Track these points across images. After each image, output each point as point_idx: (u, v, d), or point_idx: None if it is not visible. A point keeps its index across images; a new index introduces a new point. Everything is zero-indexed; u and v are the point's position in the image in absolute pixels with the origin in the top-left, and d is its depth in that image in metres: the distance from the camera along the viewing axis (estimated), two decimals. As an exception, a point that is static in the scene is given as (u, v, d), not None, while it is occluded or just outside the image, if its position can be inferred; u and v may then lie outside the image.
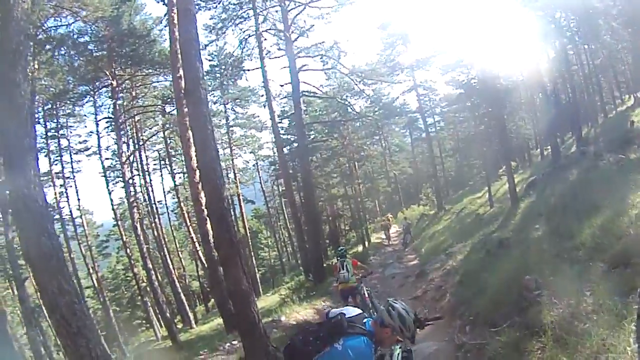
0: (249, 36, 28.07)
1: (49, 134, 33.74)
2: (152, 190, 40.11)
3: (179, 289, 36.31)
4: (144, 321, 50.34)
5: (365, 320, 3.88)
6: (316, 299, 17.62)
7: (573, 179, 15.35)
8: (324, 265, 25.97)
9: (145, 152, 39.40)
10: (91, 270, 40.72)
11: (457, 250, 16.27)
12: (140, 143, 34.91)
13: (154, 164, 43.77)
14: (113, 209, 36.04)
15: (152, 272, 28.91)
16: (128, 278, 50.88)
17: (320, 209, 37.99)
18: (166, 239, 41.05)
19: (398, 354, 4.50)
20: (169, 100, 27.81)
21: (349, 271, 11.18)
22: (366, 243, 36.26)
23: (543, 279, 6.59)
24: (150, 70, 30.91)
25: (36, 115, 30.04)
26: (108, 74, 28.41)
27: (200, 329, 29.40)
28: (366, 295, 11.05)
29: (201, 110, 8.50)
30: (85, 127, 34.80)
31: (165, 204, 47.34)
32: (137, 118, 34.32)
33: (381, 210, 57.99)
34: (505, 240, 11.61)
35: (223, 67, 33.43)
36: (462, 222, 25.49)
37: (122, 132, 31.67)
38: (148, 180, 39.31)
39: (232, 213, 46.75)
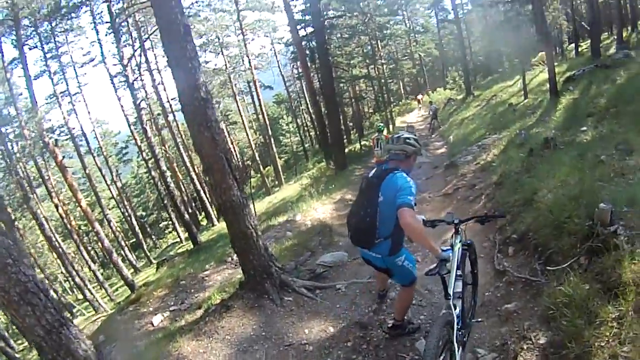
0: None
1: (48, 55, 32.49)
2: (165, 89, 39.32)
3: (198, 187, 37.32)
4: (170, 222, 51.17)
5: (384, 166, 4.62)
6: (337, 190, 16.58)
7: (622, 82, 14.17)
8: (346, 150, 24.99)
9: (154, 51, 38.62)
10: (109, 182, 41.39)
11: (491, 143, 15.01)
12: (143, 42, 32.90)
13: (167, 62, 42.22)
14: (125, 115, 35.41)
15: (167, 173, 28.09)
16: (152, 181, 51.04)
17: (341, 91, 36.70)
18: (184, 136, 40.63)
19: (459, 248, 4.40)
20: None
21: (382, 148, 13.79)
22: (391, 126, 34.66)
23: (616, 208, 4.96)
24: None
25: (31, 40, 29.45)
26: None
27: (222, 226, 29.16)
28: None
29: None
30: (87, 38, 32.98)
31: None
32: (137, 17, 32.19)
33: (406, 93, 56.71)
34: (551, 140, 10.20)
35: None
36: (493, 111, 23.88)
37: (121, 35, 30.49)
38: (159, 78, 38.54)
39: (254, 99, 46.47)
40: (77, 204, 35.39)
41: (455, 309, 3.93)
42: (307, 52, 26.52)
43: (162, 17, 6.71)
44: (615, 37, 25.52)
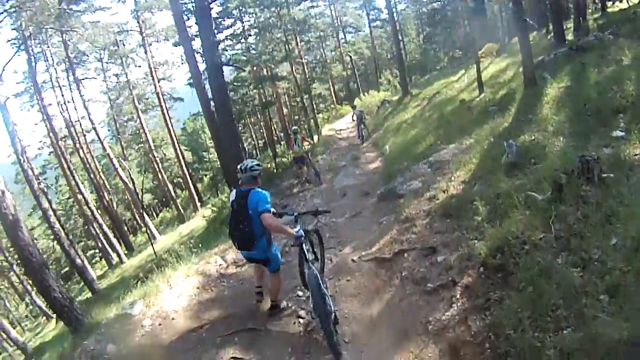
0: None
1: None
2: (75, 107, 34.80)
3: (100, 221, 33.50)
4: (97, 251, 45.68)
5: (242, 189, 5.76)
6: (220, 242, 10.99)
7: (629, 62, 10.32)
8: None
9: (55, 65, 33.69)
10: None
11: (450, 159, 9.91)
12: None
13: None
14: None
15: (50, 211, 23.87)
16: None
17: (248, 97, 33.45)
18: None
19: (299, 230, 5.72)
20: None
21: (299, 145, 15.65)
22: (315, 137, 29.37)
23: None
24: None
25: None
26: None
27: (131, 264, 27.27)
28: (310, 162, 16.50)
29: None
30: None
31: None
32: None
33: (337, 99, 52.90)
34: (594, 163, 5.08)
35: None
36: (439, 111, 18.83)
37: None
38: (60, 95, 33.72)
39: (163, 114, 40.77)
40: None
41: (314, 266, 5.72)
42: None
43: None
44: (573, 24, 23.01)
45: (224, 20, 34.15)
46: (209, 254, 9.96)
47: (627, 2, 26.80)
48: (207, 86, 19.56)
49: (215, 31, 32.04)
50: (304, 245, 5.73)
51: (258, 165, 5.91)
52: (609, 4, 28.96)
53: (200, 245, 12.21)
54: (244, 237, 5.71)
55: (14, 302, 35.53)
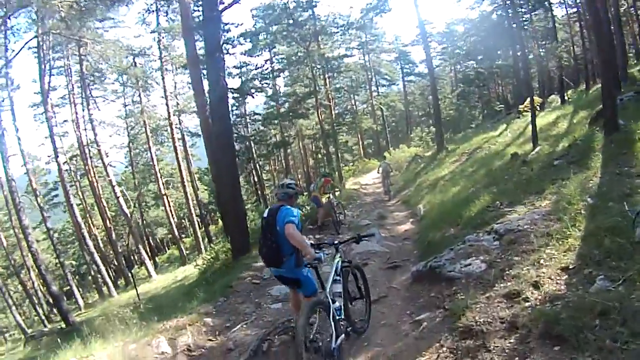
0: None
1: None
2: (93, 127, 33.93)
3: (91, 249, 31.83)
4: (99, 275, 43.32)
5: (274, 206, 5.78)
6: (179, 315, 7.97)
7: None
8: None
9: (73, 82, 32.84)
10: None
11: (527, 227, 6.49)
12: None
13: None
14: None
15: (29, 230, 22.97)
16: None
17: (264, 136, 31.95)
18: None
19: (338, 261, 5.77)
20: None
21: (316, 185, 15.63)
22: (337, 192, 26.96)
23: None
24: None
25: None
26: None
27: (119, 299, 26.49)
28: (334, 202, 14.97)
29: None
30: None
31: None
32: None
33: (365, 154, 50.94)
34: None
35: None
36: (486, 166, 16.24)
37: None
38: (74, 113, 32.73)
39: (175, 149, 38.89)
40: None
41: (334, 302, 5.15)
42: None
43: None
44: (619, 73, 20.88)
45: (253, 58, 33.44)
46: (157, 328, 7.05)
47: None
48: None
49: (244, 69, 30.24)
50: (318, 264, 5.38)
51: (296, 185, 6.12)
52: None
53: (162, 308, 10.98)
54: (271, 253, 5.69)
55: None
